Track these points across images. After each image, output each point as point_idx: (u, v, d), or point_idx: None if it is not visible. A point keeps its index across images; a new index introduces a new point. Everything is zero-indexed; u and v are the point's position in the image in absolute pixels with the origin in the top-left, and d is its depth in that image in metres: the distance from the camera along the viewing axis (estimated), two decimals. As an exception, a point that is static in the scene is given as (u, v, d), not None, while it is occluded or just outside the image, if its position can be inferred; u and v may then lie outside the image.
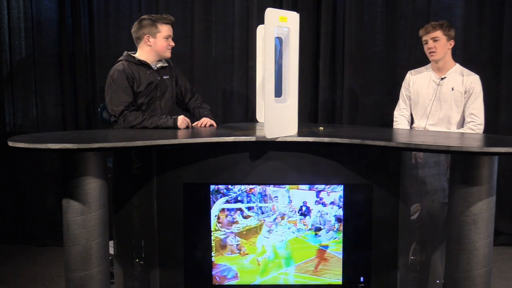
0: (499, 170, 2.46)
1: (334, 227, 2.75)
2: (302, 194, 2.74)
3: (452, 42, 3.29)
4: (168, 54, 3.19)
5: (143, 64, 3.13)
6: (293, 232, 2.76)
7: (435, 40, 3.26)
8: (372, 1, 4.18)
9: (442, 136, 2.76)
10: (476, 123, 3.22)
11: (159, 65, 3.21)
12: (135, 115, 2.98)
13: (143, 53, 3.16)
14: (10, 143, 2.37)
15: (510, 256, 4.07)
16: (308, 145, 2.68)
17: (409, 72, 3.50)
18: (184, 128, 3.00)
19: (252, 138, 2.65)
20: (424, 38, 3.31)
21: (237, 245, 2.77)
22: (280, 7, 4.07)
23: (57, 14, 4.24)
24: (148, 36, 3.12)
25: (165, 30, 3.13)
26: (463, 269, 2.41)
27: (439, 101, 3.29)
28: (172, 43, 3.18)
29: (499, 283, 3.50)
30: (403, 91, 3.49)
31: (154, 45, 3.13)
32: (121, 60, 3.12)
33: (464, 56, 4.03)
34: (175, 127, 2.98)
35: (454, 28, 3.34)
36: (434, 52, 3.27)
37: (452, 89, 3.26)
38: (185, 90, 3.37)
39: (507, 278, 3.62)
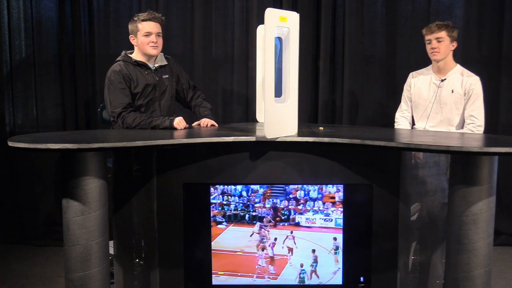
0: (499, 170, 2.46)
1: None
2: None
3: (455, 44, 3.28)
4: (151, 51, 3.09)
5: (140, 64, 3.12)
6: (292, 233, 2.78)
7: (439, 40, 3.24)
8: (372, 1, 4.18)
9: (442, 136, 2.76)
10: (476, 124, 3.21)
11: (158, 64, 3.19)
12: (133, 116, 2.97)
13: (137, 54, 3.15)
14: (10, 143, 2.37)
15: (510, 256, 4.07)
16: (308, 145, 2.68)
17: (411, 74, 3.49)
18: (181, 129, 2.98)
19: (252, 138, 2.65)
20: (427, 38, 3.29)
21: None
22: (280, 7, 4.07)
23: (57, 14, 4.24)
24: (132, 36, 3.12)
25: (144, 27, 3.06)
26: (463, 269, 2.41)
27: (439, 103, 3.29)
28: (155, 39, 3.08)
29: (499, 283, 3.50)
30: (404, 93, 3.49)
31: (137, 44, 3.12)
32: (119, 61, 3.12)
33: (464, 56, 4.03)
34: (171, 128, 2.96)
35: (457, 29, 3.33)
36: (438, 52, 3.25)
37: (452, 91, 3.25)
38: (186, 88, 3.35)
39: (507, 278, 3.62)
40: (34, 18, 4.26)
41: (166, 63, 3.24)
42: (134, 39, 3.12)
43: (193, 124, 3.22)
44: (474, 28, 4.13)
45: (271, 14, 2.48)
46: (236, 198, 2.78)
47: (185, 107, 3.43)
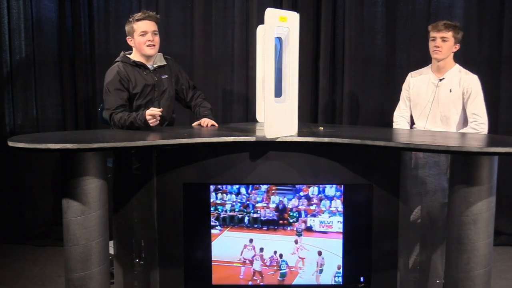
0: (499, 170, 2.46)
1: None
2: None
3: (458, 46, 3.28)
4: (148, 51, 3.08)
5: (139, 65, 3.12)
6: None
7: (444, 40, 3.23)
8: (372, 1, 4.18)
9: (442, 136, 2.76)
10: (479, 122, 3.21)
11: (156, 64, 3.19)
12: (119, 117, 2.95)
13: (135, 54, 3.15)
14: (10, 143, 2.37)
15: (510, 256, 4.07)
16: (308, 145, 2.68)
17: (410, 73, 3.50)
18: (154, 120, 2.85)
19: (252, 138, 2.65)
20: (432, 35, 3.28)
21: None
22: (280, 7, 4.07)
23: (57, 14, 4.24)
24: (129, 37, 3.11)
25: (139, 26, 3.05)
26: (463, 269, 2.41)
27: (437, 103, 3.29)
28: (151, 38, 3.05)
29: (499, 283, 3.50)
30: (403, 93, 3.50)
31: (135, 45, 3.11)
32: (117, 62, 3.12)
33: (464, 56, 4.03)
34: (146, 126, 2.86)
35: (463, 32, 3.32)
36: (440, 51, 3.25)
37: (450, 90, 3.26)
38: (186, 88, 3.35)
39: (507, 278, 3.62)
40: (34, 18, 4.26)
41: (165, 63, 3.23)
42: (131, 40, 3.11)
43: (193, 124, 3.23)
44: (474, 28, 4.13)
45: (271, 14, 2.48)
46: (233, 196, 2.62)
47: (185, 107, 3.43)
